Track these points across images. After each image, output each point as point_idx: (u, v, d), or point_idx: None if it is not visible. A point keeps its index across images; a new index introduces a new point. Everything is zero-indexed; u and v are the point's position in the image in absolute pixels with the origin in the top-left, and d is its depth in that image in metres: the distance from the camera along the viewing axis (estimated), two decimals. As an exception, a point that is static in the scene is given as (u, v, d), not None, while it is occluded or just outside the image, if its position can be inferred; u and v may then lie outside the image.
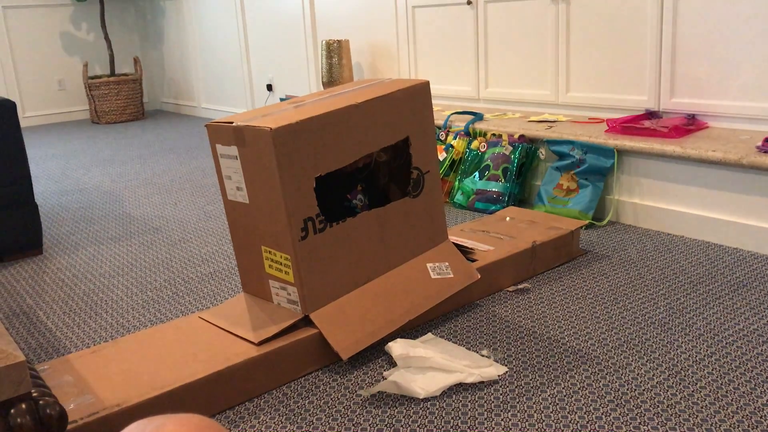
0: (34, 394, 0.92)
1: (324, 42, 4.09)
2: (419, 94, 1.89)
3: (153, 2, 6.49)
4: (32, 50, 6.16)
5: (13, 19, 6.03)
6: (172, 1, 6.18)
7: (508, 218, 2.51)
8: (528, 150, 2.94)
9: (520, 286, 2.14)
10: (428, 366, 1.62)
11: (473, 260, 2.09)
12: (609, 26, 2.96)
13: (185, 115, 6.42)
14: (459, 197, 3.05)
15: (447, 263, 1.97)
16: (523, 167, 2.95)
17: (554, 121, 3.07)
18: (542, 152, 2.92)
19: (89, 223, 3.12)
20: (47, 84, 6.29)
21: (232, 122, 1.64)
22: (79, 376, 1.52)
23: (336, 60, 4.07)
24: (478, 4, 3.48)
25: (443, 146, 3.18)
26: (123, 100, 6.15)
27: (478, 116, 3.27)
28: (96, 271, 2.51)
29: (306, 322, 1.69)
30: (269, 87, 5.21)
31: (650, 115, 2.82)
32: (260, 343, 1.61)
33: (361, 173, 1.92)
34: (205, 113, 6.13)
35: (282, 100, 4.82)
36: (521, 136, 2.96)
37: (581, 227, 2.41)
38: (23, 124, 6.20)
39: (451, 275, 1.94)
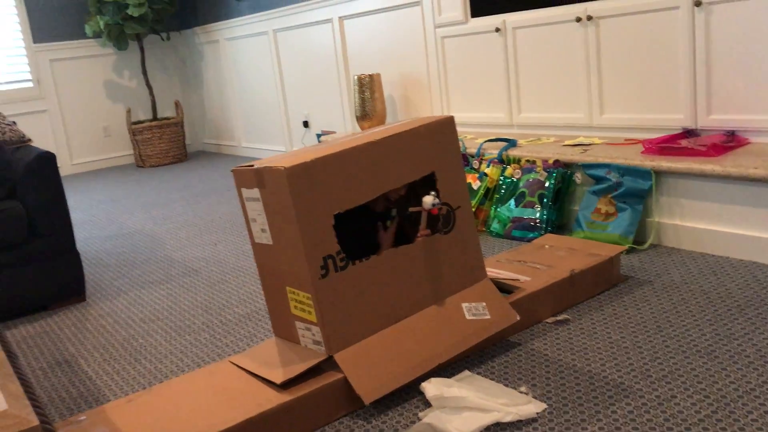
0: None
1: (356, 77, 4.12)
2: (444, 129, 1.87)
3: (191, 47, 6.66)
4: (78, 99, 6.37)
5: (60, 71, 6.25)
6: (210, 45, 6.33)
7: (546, 246, 2.46)
8: (563, 175, 2.89)
9: (559, 317, 2.08)
10: (464, 406, 1.58)
11: (512, 290, 2.05)
12: (640, 45, 2.91)
13: (226, 154, 6.53)
14: (495, 226, 3.01)
15: (484, 303, 1.93)
16: (560, 193, 2.90)
17: (589, 144, 3.01)
18: (578, 177, 2.87)
19: (131, 268, 3.17)
20: (93, 131, 6.49)
21: (253, 165, 1.65)
22: (114, 427, 1.53)
23: (368, 94, 4.09)
24: (507, 31, 3.46)
25: (477, 175, 3.15)
26: (166, 143, 6.30)
27: (511, 143, 3.23)
28: (136, 316, 2.54)
29: (333, 365, 1.67)
30: (305, 123, 5.27)
31: (687, 133, 2.75)
32: (283, 384, 1.60)
33: (385, 209, 1.91)
34: (245, 152, 6.23)
35: (318, 135, 4.87)
36: (556, 161, 2.91)
37: (621, 252, 2.34)
38: (71, 171, 6.39)
39: (488, 316, 1.90)
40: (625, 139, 3.01)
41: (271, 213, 1.65)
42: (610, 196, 2.67)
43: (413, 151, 1.80)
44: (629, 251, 2.58)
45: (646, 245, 2.61)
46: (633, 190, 2.61)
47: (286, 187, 1.57)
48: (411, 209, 1.83)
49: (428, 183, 1.86)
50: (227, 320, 2.40)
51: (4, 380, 0.93)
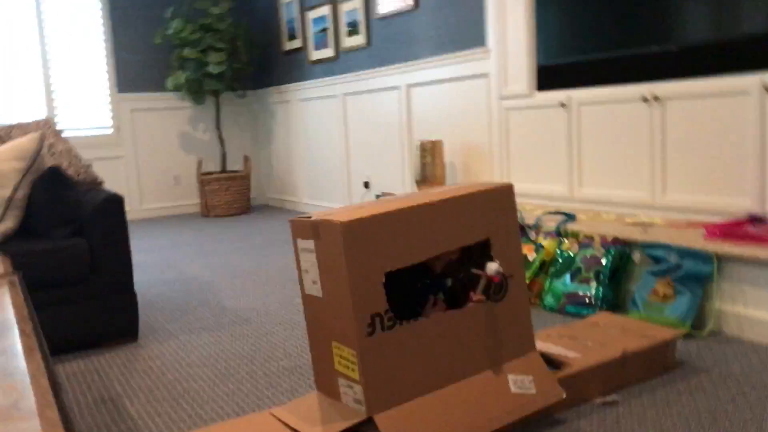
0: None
1: (418, 142, 4.19)
2: (502, 196, 1.88)
3: (264, 105, 6.90)
4: (153, 148, 6.65)
5: (139, 120, 6.56)
6: (282, 104, 6.55)
7: (599, 324, 2.40)
8: (622, 253, 2.83)
9: (608, 399, 2.01)
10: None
11: (560, 365, 1.99)
12: (707, 127, 2.88)
13: (288, 209, 6.67)
14: (549, 300, 2.96)
15: (531, 377, 1.89)
16: (617, 271, 2.83)
17: (650, 224, 2.96)
18: (637, 256, 2.80)
19: (184, 313, 3.23)
20: (165, 179, 6.73)
21: (310, 217, 1.69)
22: (148, 467, 1.53)
23: (429, 159, 4.14)
24: (572, 106, 3.47)
25: (533, 246, 3.12)
26: (232, 195, 6.47)
27: (570, 217, 3.20)
28: (184, 361, 2.58)
29: (373, 426, 1.65)
30: (366, 184, 5.35)
31: (753, 219, 2.67)
32: (322, 444, 1.58)
33: (436, 272, 1.90)
34: (307, 208, 6.34)
35: (377, 197, 4.93)
36: (615, 239, 2.86)
37: (678, 337, 2.26)
38: (140, 215, 6.62)
39: (534, 391, 1.85)
40: (688, 222, 2.94)
41: (324, 265, 1.67)
42: (669, 278, 2.60)
43: (469, 215, 1.81)
44: (686, 336, 2.49)
45: (704, 332, 2.51)
46: (693, 274, 2.53)
47: (341, 241, 1.59)
48: (474, 271, 1.82)
49: (483, 249, 1.85)
50: (271, 372, 2.41)
51: (44, 408, 0.95)
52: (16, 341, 1.30)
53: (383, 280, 1.65)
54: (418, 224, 1.71)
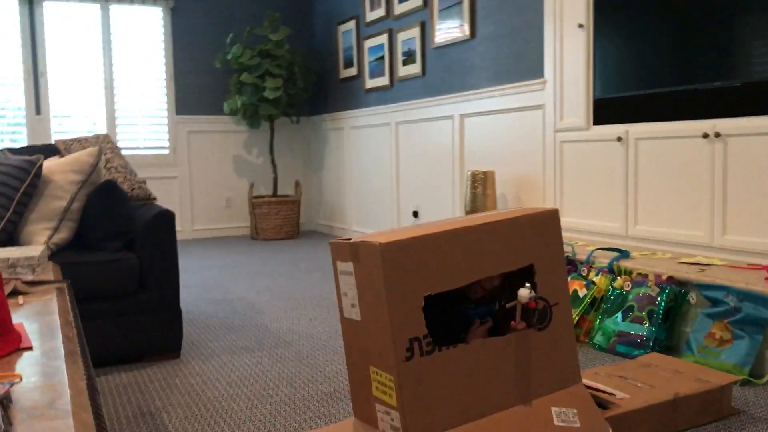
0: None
1: (470, 173, 4.15)
2: (547, 221, 1.82)
3: (318, 131, 6.98)
4: (207, 169, 6.77)
5: (195, 142, 6.70)
6: (335, 131, 6.61)
7: (651, 365, 2.30)
8: (677, 293, 2.73)
9: (657, 443, 1.92)
10: None
11: (607, 406, 1.91)
12: (772, 167, 2.77)
13: (337, 236, 6.68)
14: (599, 338, 2.86)
15: (575, 410, 1.81)
16: (671, 311, 2.73)
17: (708, 264, 2.85)
18: (693, 297, 2.70)
19: (227, 332, 3.24)
20: (217, 200, 6.84)
21: (350, 239, 1.66)
22: (180, 483, 1.51)
23: (480, 190, 4.10)
24: (629, 141, 3.40)
25: (584, 282, 3.03)
26: (281, 219, 6.53)
27: (623, 254, 3.11)
28: (224, 379, 2.57)
29: (411, 455, 1.60)
30: (415, 213, 5.33)
31: (820, 264, 2.54)
32: (359, 471, 1.54)
33: (478, 297, 1.85)
34: (355, 235, 6.35)
35: (426, 226, 4.89)
36: (670, 278, 2.76)
37: (734, 383, 2.15)
38: (191, 236, 6.72)
39: (578, 425, 1.78)
40: (748, 264, 2.82)
41: (363, 288, 1.64)
42: (726, 321, 2.49)
43: (512, 240, 1.76)
44: (744, 383, 2.37)
45: (764, 380, 2.39)
46: (753, 318, 2.42)
47: (380, 263, 1.56)
48: (508, 305, 1.77)
49: (526, 275, 1.80)
50: (310, 395, 2.37)
51: (79, 409, 0.95)
52: (59, 344, 1.30)
53: (422, 303, 1.61)
54: (459, 248, 1.67)
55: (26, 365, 1.18)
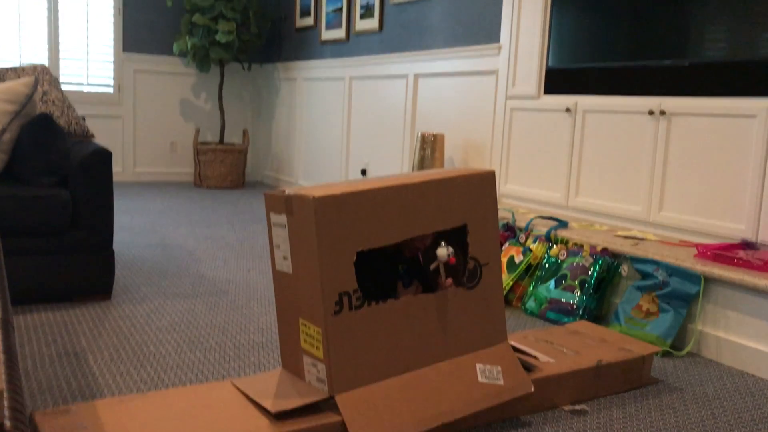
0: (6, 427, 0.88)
1: (420, 134, 4.14)
2: (483, 183, 1.83)
3: (269, 80, 6.83)
4: (153, 111, 6.58)
5: (141, 82, 6.49)
6: (287, 81, 6.49)
7: (578, 332, 2.36)
8: (610, 264, 2.79)
9: (577, 407, 1.97)
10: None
11: (531, 368, 1.95)
12: (710, 148, 2.83)
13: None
14: (531, 304, 2.92)
15: (499, 367, 1.85)
16: (603, 282, 2.80)
17: (642, 239, 2.92)
18: (624, 269, 2.77)
19: (162, 278, 3.18)
20: (161, 144, 6.66)
21: (285, 191, 1.64)
22: (97, 423, 1.49)
23: (429, 152, 4.09)
24: (577, 113, 3.43)
25: (521, 249, 3.08)
26: (227, 167, 6.41)
27: (562, 223, 3.16)
28: (154, 324, 2.53)
29: (334, 406, 1.60)
30: (363, 172, 5.30)
31: (746, 245, 2.63)
32: (278, 415, 1.54)
33: (409, 256, 1.86)
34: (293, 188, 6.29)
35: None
36: (604, 249, 2.82)
37: (655, 353, 2.23)
38: (132, 178, 6.55)
39: (501, 382, 1.82)
40: (680, 240, 2.90)
41: (295, 241, 1.62)
42: (654, 294, 2.56)
43: (448, 200, 1.76)
44: (664, 354, 2.46)
45: (683, 352, 2.48)
46: (679, 293, 2.49)
47: (312, 217, 1.54)
48: (431, 267, 1.78)
49: (459, 235, 1.81)
50: (240, 344, 2.36)
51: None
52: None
53: (354, 258, 1.60)
54: (393, 205, 1.66)
55: (-65, 295, 1.13)
